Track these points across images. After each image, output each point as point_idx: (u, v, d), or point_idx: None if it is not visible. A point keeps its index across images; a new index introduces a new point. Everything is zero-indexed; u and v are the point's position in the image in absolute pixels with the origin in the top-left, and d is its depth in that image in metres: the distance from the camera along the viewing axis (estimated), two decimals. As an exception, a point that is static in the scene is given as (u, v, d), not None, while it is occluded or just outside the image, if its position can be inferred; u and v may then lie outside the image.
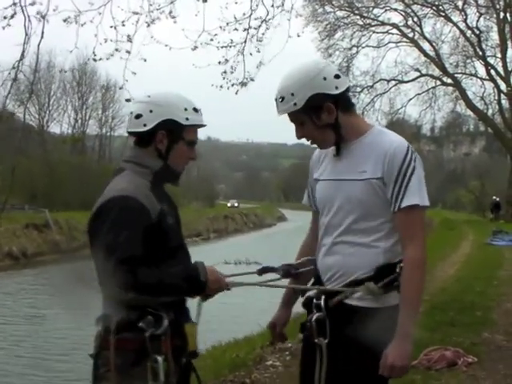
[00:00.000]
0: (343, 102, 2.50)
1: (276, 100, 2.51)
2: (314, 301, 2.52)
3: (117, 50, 8.48)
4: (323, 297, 2.50)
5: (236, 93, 10.29)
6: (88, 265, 2.53)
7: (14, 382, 9.85)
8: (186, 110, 2.50)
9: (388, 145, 2.45)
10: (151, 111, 2.47)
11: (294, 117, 2.51)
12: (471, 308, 8.68)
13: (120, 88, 9.46)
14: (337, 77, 2.48)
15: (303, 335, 2.58)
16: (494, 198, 40.18)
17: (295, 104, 2.45)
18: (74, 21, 8.19)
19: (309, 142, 2.59)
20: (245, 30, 9.57)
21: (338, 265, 2.50)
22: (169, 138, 2.50)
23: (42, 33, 7.37)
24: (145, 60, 8.67)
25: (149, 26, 8.63)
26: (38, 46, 7.51)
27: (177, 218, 2.59)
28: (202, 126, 2.59)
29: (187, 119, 2.49)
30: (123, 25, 8.41)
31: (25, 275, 22.20)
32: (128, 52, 8.45)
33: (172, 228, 2.50)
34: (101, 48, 8.62)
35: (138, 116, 2.49)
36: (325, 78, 2.45)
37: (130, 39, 8.49)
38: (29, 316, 14.89)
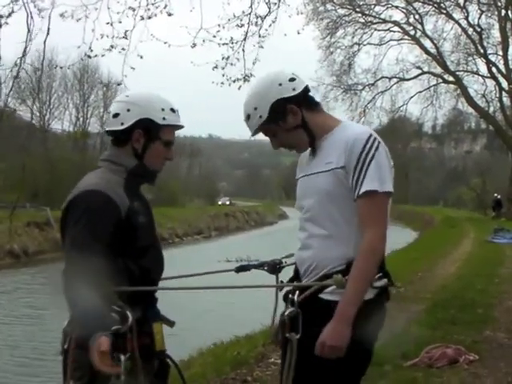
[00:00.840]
0: (305, 101, 2.57)
1: (245, 121, 2.58)
2: (290, 296, 2.54)
3: (112, 46, 8.48)
4: (297, 292, 2.52)
5: (239, 88, 10.29)
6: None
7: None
8: (163, 110, 2.53)
9: (350, 135, 2.49)
10: (128, 110, 2.50)
11: (265, 130, 2.59)
12: (472, 306, 8.67)
13: (118, 84, 9.42)
14: (291, 80, 2.55)
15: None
16: (496, 195, 40.10)
17: (260, 116, 2.53)
18: (70, 15, 8.21)
19: (288, 150, 2.66)
20: (242, 25, 9.58)
21: (311, 258, 2.52)
22: (145, 137, 2.53)
23: (48, 29, 7.39)
24: (141, 57, 8.68)
25: (143, 19, 8.61)
26: (45, 42, 7.54)
27: (150, 217, 2.60)
28: (180, 126, 2.62)
29: (164, 119, 2.53)
30: (119, 22, 8.42)
31: (25, 274, 22.18)
32: (123, 49, 8.46)
33: (143, 226, 2.50)
34: (99, 45, 8.63)
35: (116, 115, 2.52)
36: (280, 84, 2.52)
37: (125, 36, 8.49)
38: (26, 316, 14.82)
